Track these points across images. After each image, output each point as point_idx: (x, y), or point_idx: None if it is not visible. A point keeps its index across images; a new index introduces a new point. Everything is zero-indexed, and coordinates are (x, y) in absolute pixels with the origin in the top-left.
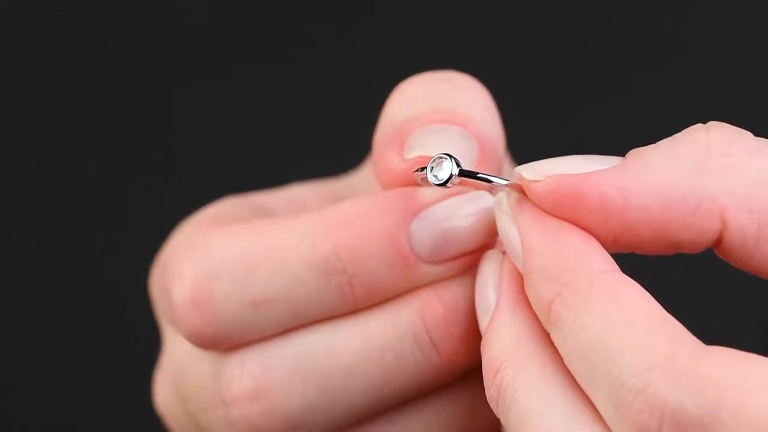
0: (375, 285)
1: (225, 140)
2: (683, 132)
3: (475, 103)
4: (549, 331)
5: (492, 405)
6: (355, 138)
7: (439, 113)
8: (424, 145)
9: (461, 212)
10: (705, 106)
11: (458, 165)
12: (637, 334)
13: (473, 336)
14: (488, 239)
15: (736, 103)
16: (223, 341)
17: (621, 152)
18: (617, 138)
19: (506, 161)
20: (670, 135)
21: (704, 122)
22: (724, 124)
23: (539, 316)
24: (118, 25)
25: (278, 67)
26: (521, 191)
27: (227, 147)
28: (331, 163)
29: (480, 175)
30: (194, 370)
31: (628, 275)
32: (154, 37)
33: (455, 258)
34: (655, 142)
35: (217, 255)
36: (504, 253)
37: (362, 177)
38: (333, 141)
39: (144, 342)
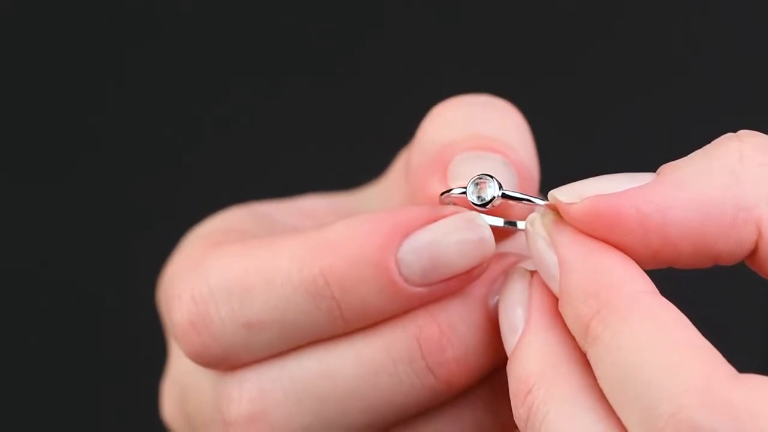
0: (365, 309)
1: (239, 147)
2: (714, 142)
3: (514, 130)
4: (586, 350)
5: (520, 425)
6: (373, 150)
7: (479, 139)
8: (467, 175)
9: (449, 234)
10: (715, 111)
11: (500, 186)
12: (672, 358)
13: (470, 357)
14: (478, 261)
15: (750, 106)
16: (221, 361)
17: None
18: (630, 147)
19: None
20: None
21: (734, 130)
22: (756, 132)
23: (576, 335)
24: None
25: (296, 75)
26: (558, 212)
27: (240, 154)
28: (348, 175)
29: (521, 197)
30: (197, 386)
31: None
32: (157, 46)
33: (446, 280)
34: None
35: (213, 277)
36: (532, 272)
37: (376, 192)
38: (351, 152)
39: (149, 351)
